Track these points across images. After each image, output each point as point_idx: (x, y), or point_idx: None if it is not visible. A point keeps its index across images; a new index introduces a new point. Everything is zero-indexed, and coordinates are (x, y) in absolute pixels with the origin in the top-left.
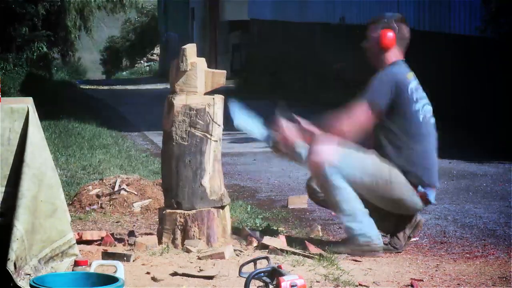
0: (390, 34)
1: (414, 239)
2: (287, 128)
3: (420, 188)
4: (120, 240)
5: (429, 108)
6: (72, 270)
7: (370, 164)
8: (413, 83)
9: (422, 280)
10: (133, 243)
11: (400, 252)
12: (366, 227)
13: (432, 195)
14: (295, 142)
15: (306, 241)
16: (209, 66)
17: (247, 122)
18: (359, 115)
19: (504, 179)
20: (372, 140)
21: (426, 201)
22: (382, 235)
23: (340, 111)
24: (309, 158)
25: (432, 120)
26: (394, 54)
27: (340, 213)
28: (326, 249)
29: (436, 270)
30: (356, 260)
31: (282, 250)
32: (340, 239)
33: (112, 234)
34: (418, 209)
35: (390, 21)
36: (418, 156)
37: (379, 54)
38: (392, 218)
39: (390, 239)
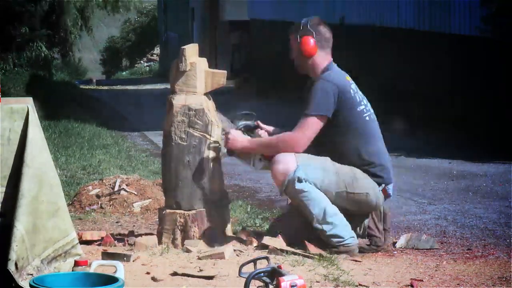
0: (309, 40)
1: (408, 234)
2: (235, 138)
3: (382, 186)
4: (120, 240)
5: (369, 106)
6: (72, 270)
7: (331, 165)
8: (353, 85)
9: (422, 280)
10: (133, 243)
11: (380, 247)
12: (337, 227)
13: (391, 189)
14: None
15: (306, 241)
16: (209, 66)
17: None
18: (311, 132)
19: (504, 179)
20: (318, 149)
21: (386, 195)
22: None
23: (290, 129)
24: (272, 168)
25: (375, 116)
26: (322, 58)
27: (311, 216)
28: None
29: (436, 270)
30: (356, 260)
31: (282, 250)
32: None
33: (112, 234)
34: (380, 203)
35: (305, 27)
36: (372, 156)
37: (306, 62)
38: (360, 221)
39: (369, 241)
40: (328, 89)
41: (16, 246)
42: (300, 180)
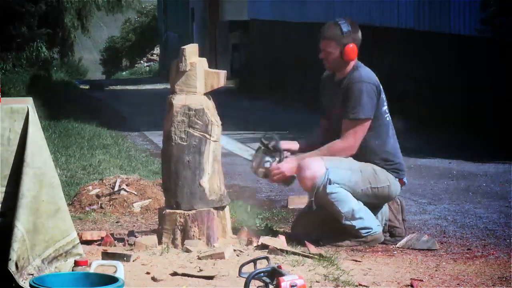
0: (352, 46)
1: (412, 234)
2: (282, 170)
3: (399, 175)
4: (120, 240)
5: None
6: (72, 270)
7: (355, 164)
8: (380, 85)
9: (422, 280)
10: (133, 243)
11: (403, 236)
12: (365, 220)
13: (405, 178)
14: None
15: (306, 241)
16: (209, 66)
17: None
18: (361, 135)
19: (504, 179)
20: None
21: (402, 183)
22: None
23: (339, 136)
24: (300, 175)
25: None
26: (354, 60)
27: (341, 215)
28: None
29: (436, 270)
30: (356, 260)
31: (282, 250)
32: (340, 236)
33: (112, 234)
34: (398, 192)
35: (347, 34)
36: (393, 151)
37: (342, 65)
38: (375, 212)
39: (390, 232)
40: (371, 91)
41: (17, 246)
42: (330, 183)
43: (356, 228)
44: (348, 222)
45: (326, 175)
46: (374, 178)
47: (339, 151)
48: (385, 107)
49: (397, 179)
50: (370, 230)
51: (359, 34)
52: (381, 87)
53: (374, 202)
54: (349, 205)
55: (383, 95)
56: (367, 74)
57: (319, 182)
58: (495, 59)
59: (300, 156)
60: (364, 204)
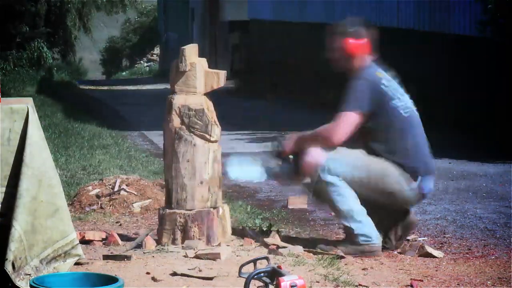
0: (353, 41)
1: (411, 236)
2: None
3: (419, 178)
4: (123, 240)
5: (410, 101)
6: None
7: (361, 159)
8: (384, 80)
9: (422, 280)
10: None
11: (388, 249)
12: (365, 226)
13: (430, 184)
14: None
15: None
16: (209, 66)
17: (242, 170)
18: (345, 126)
19: (504, 179)
20: (359, 144)
21: (421, 195)
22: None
23: (327, 124)
24: (302, 161)
25: (416, 112)
26: (361, 58)
27: (339, 213)
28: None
29: (436, 270)
30: (356, 261)
31: (279, 247)
32: (339, 239)
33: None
34: (411, 202)
35: (348, 29)
36: (410, 150)
37: (347, 62)
38: (385, 218)
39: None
40: (363, 86)
41: (14, 246)
42: (330, 173)
43: (355, 232)
44: (346, 223)
45: (324, 164)
46: (382, 178)
47: (321, 133)
48: (397, 102)
49: (413, 188)
50: (370, 239)
51: (363, 30)
52: (384, 82)
53: (384, 201)
54: (349, 203)
55: (390, 91)
56: (368, 71)
57: (319, 170)
58: (495, 59)
59: (299, 134)
60: (376, 205)
